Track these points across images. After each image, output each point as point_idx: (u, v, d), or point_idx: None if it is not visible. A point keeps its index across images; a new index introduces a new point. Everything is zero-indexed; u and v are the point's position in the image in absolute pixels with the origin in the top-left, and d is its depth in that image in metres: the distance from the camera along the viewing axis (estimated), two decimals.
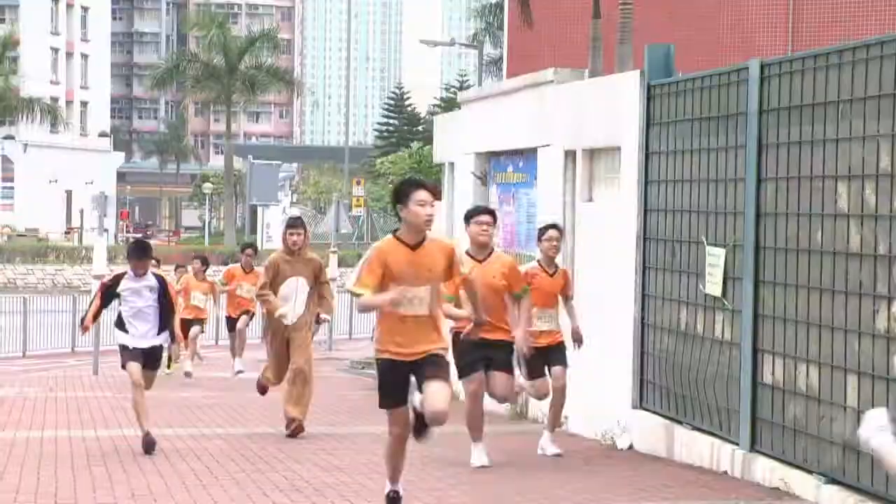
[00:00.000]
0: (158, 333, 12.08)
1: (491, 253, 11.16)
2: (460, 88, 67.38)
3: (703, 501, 9.49)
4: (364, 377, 21.43)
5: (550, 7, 28.32)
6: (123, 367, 12.18)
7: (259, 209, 75.37)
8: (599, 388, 12.96)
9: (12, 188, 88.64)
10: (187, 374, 20.35)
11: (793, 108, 9.63)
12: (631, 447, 12.19)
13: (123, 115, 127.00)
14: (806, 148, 9.42)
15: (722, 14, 26.85)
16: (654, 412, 11.97)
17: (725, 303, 10.58)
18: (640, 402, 12.28)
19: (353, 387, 20.50)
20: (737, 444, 10.35)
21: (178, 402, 16.63)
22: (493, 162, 16.86)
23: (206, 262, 21.80)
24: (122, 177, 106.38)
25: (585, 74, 15.20)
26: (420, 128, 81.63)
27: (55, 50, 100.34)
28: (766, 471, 9.85)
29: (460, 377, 11.02)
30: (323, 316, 13.37)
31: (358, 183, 72.20)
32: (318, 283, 13.11)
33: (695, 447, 11.07)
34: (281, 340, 13.14)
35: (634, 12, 20.90)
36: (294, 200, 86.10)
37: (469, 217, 11.27)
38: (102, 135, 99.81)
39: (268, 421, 14.05)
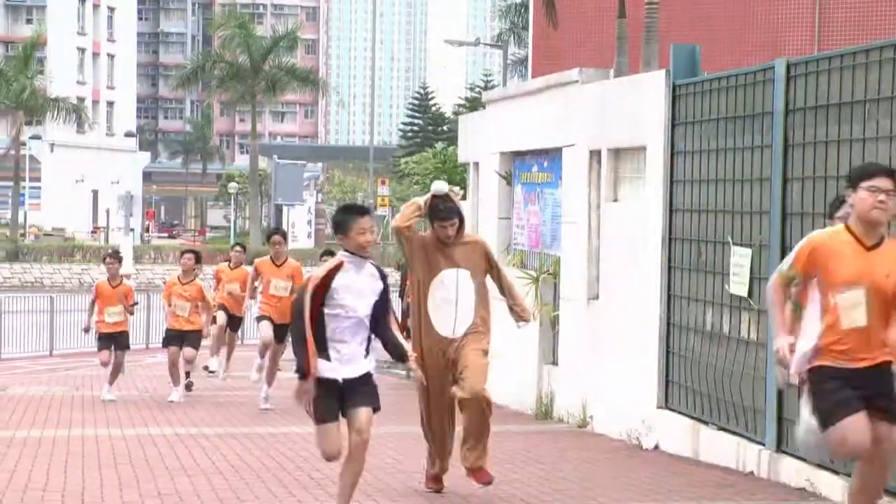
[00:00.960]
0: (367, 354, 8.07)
1: None
2: (485, 88, 67.36)
3: (728, 502, 9.47)
4: (389, 375, 21.46)
5: (575, 7, 28.31)
6: (321, 420, 7.93)
7: (284, 208, 75.59)
8: (625, 388, 12.95)
9: (39, 188, 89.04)
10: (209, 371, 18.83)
11: (819, 107, 9.61)
12: (657, 447, 12.17)
13: (149, 115, 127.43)
14: (832, 147, 9.40)
15: (748, 14, 26.79)
16: (680, 412, 11.95)
17: (752, 303, 10.56)
18: (666, 402, 12.27)
19: (380, 385, 20.51)
20: (763, 445, 10.33)
21: (203, 399, 16.69)
22: (517, 162, 16.86)
23: (198, 259, 17.86)
24: (147, 176, 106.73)
25: (611, 74, 15.18)
26: (445, 128, 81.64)
27: (82, 50, 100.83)
28: (793, 471, 9.82)
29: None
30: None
31: (383, 183, 72.25)
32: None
33: (720, 447, 11.05)
34: (439, 374, 9.47)
35: (660, 12, 20.86)
36: (319, 200, 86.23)
37: None
38: (128, 134, 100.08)
39: (293, 420, 14.07)
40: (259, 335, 16.51)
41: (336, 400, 7.93)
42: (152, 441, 12.61)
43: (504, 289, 9.76)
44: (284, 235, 16.99)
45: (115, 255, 18.09)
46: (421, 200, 9.61)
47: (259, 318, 16.19)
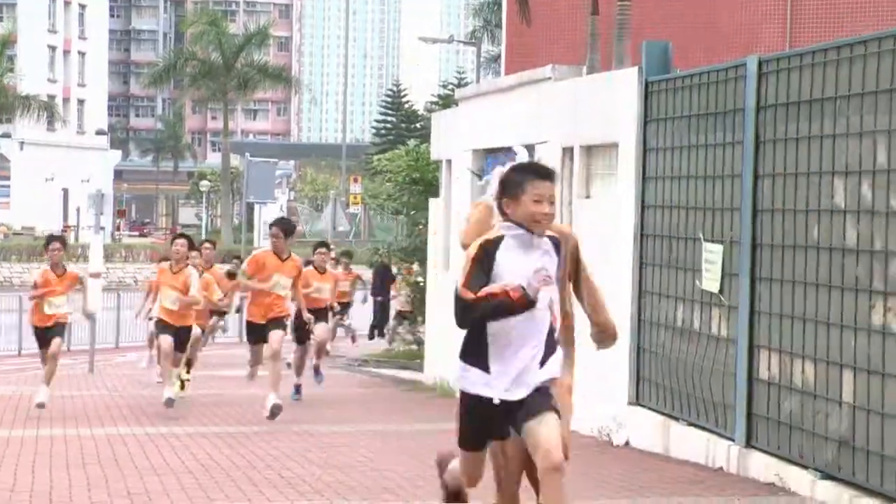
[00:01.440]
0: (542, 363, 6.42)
1: None
2: (458, 86, 67.34)
3: (698, 498, 9.47)
4: (360, 374, 21.44)
5: (548, 4, 28.30)
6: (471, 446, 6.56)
7: (256, 207, 75.30)
8: (595, 385, 12.92)
9: (9, 186, 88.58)
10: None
11: (790, 104, 9.62)
12: (627, 443, 12.17)
13: (121, 113, 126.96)
14: (803, 144, 9.41)
15: (720, 11, 26.83)
16: (651, 408, 11.95)
17: (722, 299, 10.57)
18: (637, 399, 12.26)
19: (350, 384, 20.50)
20: (732, 440, 10.33)
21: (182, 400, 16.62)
22: (490, 159, 16.83)
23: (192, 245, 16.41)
24: (119, 175, 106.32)
25: (583, 71, 15.18)
26: (418, 125, 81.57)
27: (52, 48, 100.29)
28: (762, 466, 9.83)
29: None
30: None
31: (355, 180, 72.20)
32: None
33: (691, 443, 11.05)
34: None
35: (632, 9, 20.87)
36: (291, 198, 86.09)
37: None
38: (99, 132, 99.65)
39: (263, 419, 14.01)
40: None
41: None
42: (122, 440, 12.53)
43: None
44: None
45: (60, 239, 16.65)
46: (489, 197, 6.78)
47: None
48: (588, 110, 13.58)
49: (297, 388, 16.53)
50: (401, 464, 10.99)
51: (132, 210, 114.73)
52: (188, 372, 17.01)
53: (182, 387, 16.59)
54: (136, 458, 11.35)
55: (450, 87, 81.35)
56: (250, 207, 76.47)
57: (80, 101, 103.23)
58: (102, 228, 28.74)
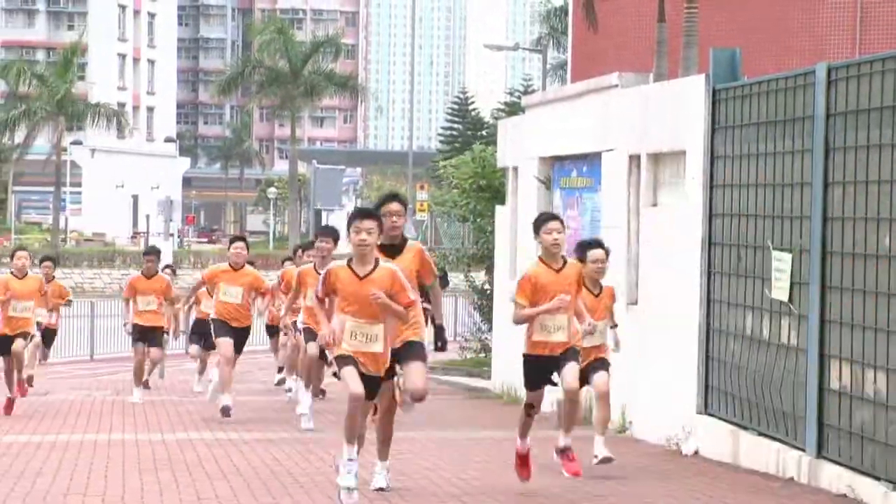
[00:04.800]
0: None
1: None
2: (524, 93, 67.32)
3: None
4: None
5: (615, 11, 28.25)
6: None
7: (323, 213, 75.74)
8: (664, 394, 12.90)
9: (80, 193, 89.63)
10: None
11: (860, 111, 9.55)
12: (696, 453, 12.11)
13: (189, 121, 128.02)
14: (874, 152, 9.33)
15: (788, 18, 26.66)
16: (720, 418, 11.89)
17: (792, 307, 10.50)
18: (706, 408, 12.20)
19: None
20: (803, 451, 10.26)
21: (244, 404, 16.73)
22: (556, 166, 16.83)
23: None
24: (187, 182, 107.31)
25: (650, 78, 15.14)
26: (484, 132, 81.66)
27: (122, 56, 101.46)
28: (833, 477, 9.76)
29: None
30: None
31: (422, 188, 72.36)
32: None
33: (760, 453, 10.99)
34: None
35: (700, 16, 20.80)
36: (358, 205, 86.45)
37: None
38: (168, 140, 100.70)
39: (340, 425, 14.05)
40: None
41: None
42: (192, 445, 12.63)
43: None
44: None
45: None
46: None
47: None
48: (655, 118, 13.55)
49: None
50: (466, 471, 11.00)
51: (200, 217, 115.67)
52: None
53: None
54: (206, 463, 11.43)
55: (516, 94, 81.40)
56: (318, 214, 77.03)
57: (150, 109, 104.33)
58: (172, 235, 29.01)
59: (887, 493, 8.94)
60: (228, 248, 15.73)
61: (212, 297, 15.95)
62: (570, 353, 9.98)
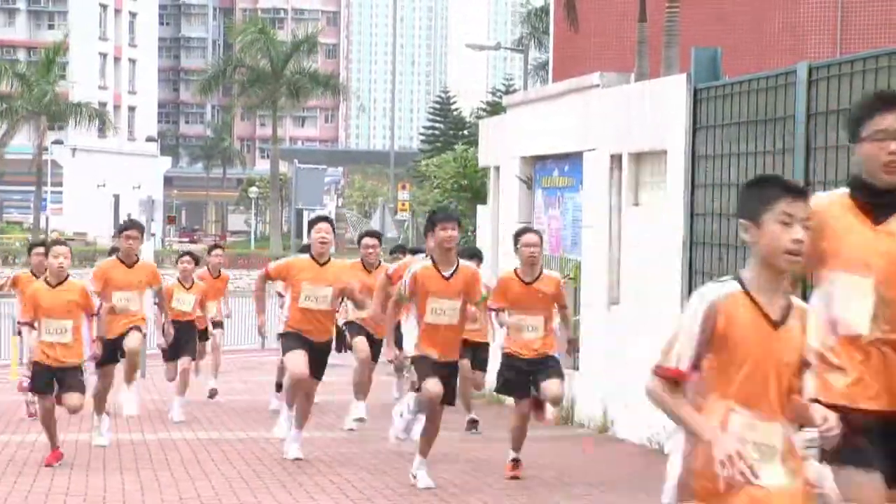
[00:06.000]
0: None
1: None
2: (506, 93, 67.36)
3: None
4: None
5: (596, 11, 28.30)
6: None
7: (305, 213, 75.62)
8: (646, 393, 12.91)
9: (61, 192, 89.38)
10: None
11: (841, 111, 9.58)
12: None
13: (170, 120, 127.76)
14: (854, 151, 9.35)
15: (769, 18, 26.74)
16: None
17: None
18: None
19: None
20: None
21: (225, 404, 16.70)
22: (538, 166, 16.84)
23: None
24: (168, 181, 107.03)
25: (631, 78, 15.16)
26: (465, 132, 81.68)
27: (103, 55, 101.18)
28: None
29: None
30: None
31: (403, 187, 72.26)
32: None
33: None
34: None
35: (681, 16, 20.84)
36: (339, 205, 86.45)
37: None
38: (150, 139, 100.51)
39: (315, 424, 14.03)
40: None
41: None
42: (174, 445, 12.61)
43: None
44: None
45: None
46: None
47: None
48: (636, 117, 13.57)
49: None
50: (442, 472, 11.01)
51: (182, 216, 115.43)
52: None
53: None
54: (188, 463, 11.40)
55: (498, 93, 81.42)
56: (299, 214, 76.91)
57: (131, 108, 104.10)
58: (153, 234, 28.94)
59: None
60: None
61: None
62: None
